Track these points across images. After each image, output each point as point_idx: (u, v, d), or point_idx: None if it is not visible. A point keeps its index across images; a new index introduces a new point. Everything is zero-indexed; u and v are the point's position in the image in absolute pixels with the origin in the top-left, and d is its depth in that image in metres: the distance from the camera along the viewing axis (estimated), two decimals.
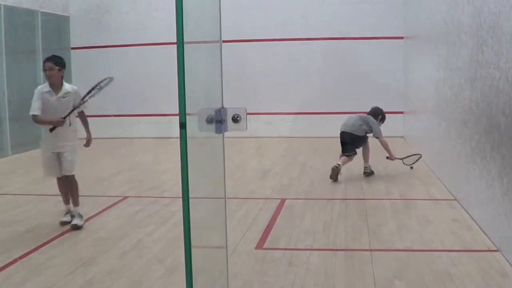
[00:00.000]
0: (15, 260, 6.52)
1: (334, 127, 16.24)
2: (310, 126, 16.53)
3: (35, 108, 7.50)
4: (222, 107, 3.48)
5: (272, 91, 16.69)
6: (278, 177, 11.06)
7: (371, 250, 6.62)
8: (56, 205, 8.83)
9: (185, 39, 3.07)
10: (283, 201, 9.01)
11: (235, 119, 3.45)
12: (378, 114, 11.60)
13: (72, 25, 18.24)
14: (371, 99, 16.22)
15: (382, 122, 11.61)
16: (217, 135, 3.48)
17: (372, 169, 11.09)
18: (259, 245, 6.87)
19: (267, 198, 9.22)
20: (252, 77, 16.55)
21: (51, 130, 7.62)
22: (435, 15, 10.84)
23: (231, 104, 3.51)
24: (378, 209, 8.51)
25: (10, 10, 15.20)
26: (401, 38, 16.09)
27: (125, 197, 9.54)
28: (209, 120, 3.37)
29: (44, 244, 7.14)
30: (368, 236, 7.13)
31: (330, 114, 16.39)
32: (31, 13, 16.31)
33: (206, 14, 3.66)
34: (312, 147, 14.89)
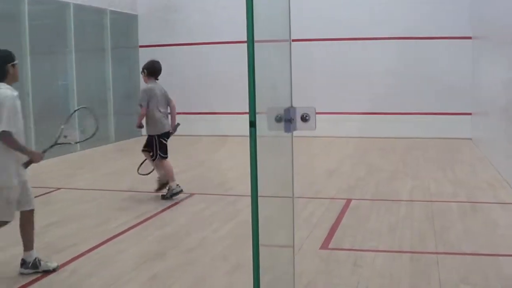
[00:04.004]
0: (85, 253, 6.64)
1: (401, 128, 16.22)
2: (377, 126, 16.38)
3: None
4: (291, 106, 3.47)
5: (340, 90, 16.59)
6: (344, 177, 11.00)
7: (437, 253, 6.52)
8: (124, 201, 8.98)
9: (255, 38, 3.07)
10: (348, 201, 8.97)
11: (304, 118, 3.44)
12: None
13: (140, 24, 18.46)
14: (438, 99, 16.07)
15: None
16: (285, 134, 3.47)
17: None
18: (324, 245, 6.85)
19: (333, 198, 9.19)
20: (321, 77, 16.47)
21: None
22: (505, 15, 10.63)
23: (300, 103, 3.50)
24: (444, 211, 8.39)
25: (80, 9, 15.46)
26: (469, 38, 15.81)
27: (192, 194, 9.61)
28: (278, 119, 3.37)
29: (112, 238, 7.25)
30: (434, 239, 7.03)
31: (398, 115, 16.27)
32: (100, 11, 16.58)
33: (276, 13, 3.65)
34: (379, 147, 14.76)
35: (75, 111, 7.08)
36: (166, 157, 9.49)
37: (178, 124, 9.66)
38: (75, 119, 7.06)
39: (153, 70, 9.58)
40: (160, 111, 9.36)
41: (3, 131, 5.70)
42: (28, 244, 6.19)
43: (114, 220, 8.03)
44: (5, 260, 6.56)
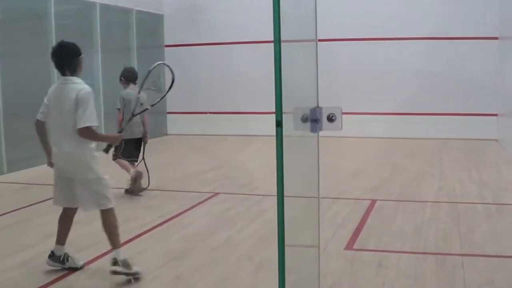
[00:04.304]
0: (108, 252, 6.67)
1: (427, 129, 16.14)
2: (403, 127, 16.28)
3: None
4: (317, 106, 3.47)
5: (366, 91, 16.54)
6: (370, 177, 10.97)
7: (462, 254, 6.47)
8: (148, 199, 9.01)
9: (281, 38, 3.07)
10: (373, 202, 8.93)
11: (330, 118, 3.43)
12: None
13: (166, 24, 18.52)
14: (464, 100, 15.97)
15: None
16: (311, 134, 3.47)
17: None
18: (349, 246, 6.83)
19: (358, 199, 9.16)
20: (347, 77, 16.43)
21: None
22: None
23: (326, 103, 3.49)
24: (470, 213, 8.33)
25: (106, 9, 15.55)
26: (496, 38, 15.69)
27: (216, 194, 9.63)
28: (304, 119, 3.37)
29: (136, 237, 7.28)
30: (460, 240, 6.98)
31: (424, 115, 16.19)
32: (126, 11, 16.66)
33: (302, 12, 3.65)
34: (404, 148, 14.70)
35: (149, 72, 6.68)
36: (131, 160, 9.75)
37: (146, 132, 9.80)
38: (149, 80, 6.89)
39: (131, 76, 9.95)
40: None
41: (88, 126, 5.69)
42: (61, 238, 6.25)
43: (138, 219, 8.06)
44: (33, 256, 6.61)
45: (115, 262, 5.88)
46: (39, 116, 6.06)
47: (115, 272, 5.82)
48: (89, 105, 5.72)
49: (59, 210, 6.24)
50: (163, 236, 7.40)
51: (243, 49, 17.28)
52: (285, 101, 3.09)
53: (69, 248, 6.88)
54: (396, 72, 16.36)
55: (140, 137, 9.63)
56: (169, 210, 8.49)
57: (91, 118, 5.72)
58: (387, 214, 8.31)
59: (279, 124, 3.05)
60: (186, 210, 8.61)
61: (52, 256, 6.14)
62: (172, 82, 6.76)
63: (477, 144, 15.00)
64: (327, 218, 7.89)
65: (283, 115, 3.08)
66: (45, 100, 6.00)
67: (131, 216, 8.29)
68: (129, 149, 9.57)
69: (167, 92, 6.87)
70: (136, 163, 9.73)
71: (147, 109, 6.70)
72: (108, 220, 5.99)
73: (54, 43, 13.43)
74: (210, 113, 17.44)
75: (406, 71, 16.26)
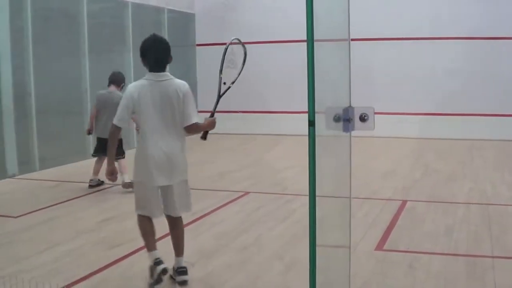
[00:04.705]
0: (141, 248, 6.71)
1: (460, 129, 16.00)
2: (435, 127, 16.15)
3: None
4: (350, 105, 3.46)
5: (399, 91, 16.44)
6: (401, 178, 10.91)
7: (493, 257, 6.41)
8: None
9: (314, 37, 3.07)
10: (404, 202, 8.89)
11: (363, 118, 3.43)
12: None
13: (198, 23, 18.58)
14: (499, 101, 15.81)
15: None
16: (344, 133, 3.46)
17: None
18: (379, 246, 6.81)
19: (389, 199, 9.12)
20: (380, 76, 16.34)
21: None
22: None
23: (359, 103, 3.48)
24: (502, 215, 8.26)
25: (138, 8, 15.64)
26: None
27: (247, 193, 9.65)
28: (337, 119, 3.36)
29: (167, 234, 7.29)
30: (491, 243, 6.92)
31: (457, 116, 16.04)
32: (157, 10, 16.74)
33: (335, 12, 3.65)
34: (436, 148, 14.60)
35: (225, 50, 6.41)
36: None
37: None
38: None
39: (112, 78, 10.35)
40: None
41: (197, 122, 5.57)
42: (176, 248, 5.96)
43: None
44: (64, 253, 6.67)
45: (174, 269, 5.82)
46: (120, 124, 5.59)
47: (170, 277, 5.77)
48: (193, 100, 5.63)
49: (89, 210, 6.27)
50: (194, 234, 7.42)
51: (275, 48, 17.27)
52: (318, 101, 3.09)
53: (102, 244, 6.97)
54: (429, 72, 16.22)
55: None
56: (201, 208, 8.51)
57: (196, 113, 5.62)
58: (418, 215, 8.27)
59: (311, 123, 3.05)
60: (217, 209, 8.63)
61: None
62: (245, 56, 6.54)
63: (510, 145, 14.86)
64: (357, 218, 7.87)
65: (316, 115, 3.08)
66: (128, 103, 5.54)
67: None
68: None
69: (243, 66, 6.56)
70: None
71: (229, 87, 6.45)
72: (181, 226, 5.91)
73: (86, 42, 13.63)
74: (241, 112, 17.46)
75: (439, 71, 16.13)
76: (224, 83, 6.02)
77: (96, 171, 10.23)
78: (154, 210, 5.71)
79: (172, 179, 5.59)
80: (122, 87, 10.20)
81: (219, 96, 6.07)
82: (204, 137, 5.86)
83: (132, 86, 5.62)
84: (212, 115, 5.84)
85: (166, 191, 5.65)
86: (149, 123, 5.50)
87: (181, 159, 5.62)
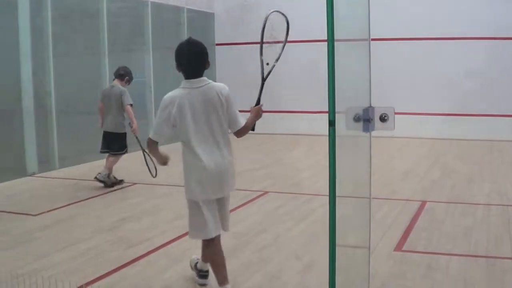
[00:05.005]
0: (159, 248, 6.73)
1: (480, 130, 15.90)
2: (455, 127, 16.04)
3: None
4: (370, 105, 3.45)
5: (419, 91, 16.37)
6: (420, 179, 10.86)
7: None
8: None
9: (335, 37, 3.06)
10: (423, 203, 8.85)
11: (383, 118, 3.41)
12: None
13: (217, 22, 18.60)
14: None
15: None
16: (364, 134, 3.45)
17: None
18: (398, 247, 6.78)
19: (408, 200, 9.08)
20: (400, 76, 16.29)
21: None
22: None
23: (379, 103, 3.47)
24: None
25: (158, 7, 15.70)
26: None
27: (266, 192, 9.65)
28: (357, 119, 3.35)
29: (186, 233, 7.29)
30: (510, 244, 6.86)
31: (477, 116, 15.95)
32: (177, 10, 16.80)
33: (355, 12, 3.64)
34: (456, 149, 14.53)
35: (264, 25, 5.87)
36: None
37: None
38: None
39: (115, 73, 10.59)
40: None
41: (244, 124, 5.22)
42: (221, 276, 5.46)
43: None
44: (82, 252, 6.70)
45: None
46: (157, 138, 5.18)
47: None
48: (234, 102, 5.25)
49: (108, 209, 6.29)
50: None
51: (294, 48, 17.20)
52: (338, 101, 3.08)
53: (119, 243, 6.99)
54: (450, 72, 16.13)
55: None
56: None
57: (240, 114, 5.26)
58: (437, 216, 8.23)
59: (332, 123, 3.04)
60: (237, 208, 8.62)
61: None
62: (287, 25, 5.96)
63: None
64: (377, 219, 7.83)
65: (336, 115, 3.07)
66: (167, 116, 5.07)
67: (185, 212, 8.30)
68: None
69: (286, 39, 6.01)
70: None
71: (274, 66, 6.02)
72: (220, 247, 5.47)
73: (106, 41, 13.68)
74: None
75: (459, 71, 16.03)
76: (267, 64, 5.66)
77: (107, 167, 10.40)
78: (212, 228, 5.26)
79: (225, 190, 5.26)
80: (128, 81, 10.49)
81: (264, 80, 5.70)
82: (253, 128, 5.45)
83: (168, 98, 5.09)
84: (257, 103, 5.47)
85: (219, 204, 5.34)
86: (194, 134, 5.04)
87: (231, 167, 5.24)
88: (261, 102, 5.51)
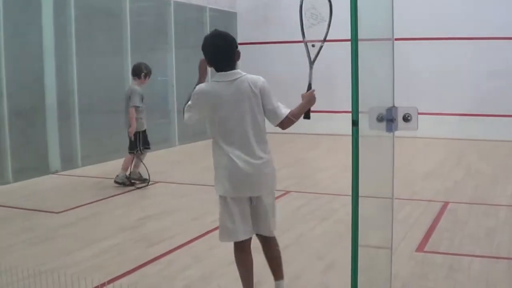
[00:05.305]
0: (181, 246, 6.76)
1: (504, 130, 15.78)
2: (479, 128, 15.93)
3: None
4: (393, 105, 3.44)
5: (441, 91, 16.28)
6: (443, 179, 10.80)
7: None
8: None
9: (358, 37, 3.06)
10: (446, 204, 8.80)
11: (406, 118, 3.40)
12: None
13: (239, 21, 18.61)
14: None
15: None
16: (387, 134, 3.44)
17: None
18: (420, 248, 6.75)
19: (430, 200, 9.04)
20: (423, 76, 16.21)
21: None
22: None
23: (402, 103, 3.46)
24: None
25: (180, 6, 15.74)
26: None
27: (288, 192, 9.65)
28: (380, 119, 3.34)
29: (207, 232, 7.33)
30: None
31: (501, 117, 15.83)
32: (199, 9, 16.83)
33: (379, 11, 3.62)
34: (478, 149, 14.44)
35: (301, 9, 5.26)
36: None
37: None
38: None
39: (136, 70, 10.55)
40: None
41: (289, 113, 4.93)
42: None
43: (210, 215, 8.09)
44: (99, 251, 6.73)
45: None
46: (189, 122, 5.04)
47: None
48: (272, 93, 4.89)
49: (134, 208, 6.31)
50: None
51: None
52: (361, 100, 3.08)
53: (142, 241, 7.02)
54: (473, 72, 16.03)
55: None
56: None
57: (282, 104, 4.95)
58: (459, 217, 8.18)
59: (355, 123, 3.03)
60: None
61: None
62: (330, 4, 5.22)
63: None
64: (398, 219, 7.80)
65: (359, 115, 3.07)
66: (200, 104, 4.88)
67: (206, 211, 8.36)
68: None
69: (330, 18, 5.31)
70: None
71: (321, 46, 5.52)
72: (277, 247, 5.24)
73: (129, 40, 13.74)
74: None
75: (484, 71, 15.91)
76: (313, 46, 5.14)
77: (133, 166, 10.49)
78: (240, 231, 4.96)
79: (260, 189, 4.94)
80: (146, 77, 10.43)
81: (312, 63, 5.24)
82: (307, 115, 5.11)
83: (202, 87, 4.89)
84: (309, 88, 5.12)
85: (255, 205, 4.99)
86: (225, 129, 4.79)
87: (267, 165, 4.96)
88: (312, 87, 5.13)
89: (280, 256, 5.18)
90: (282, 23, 17.62)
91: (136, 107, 10.06)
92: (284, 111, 4.87)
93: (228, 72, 4.76)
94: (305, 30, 5.16)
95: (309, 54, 5.16)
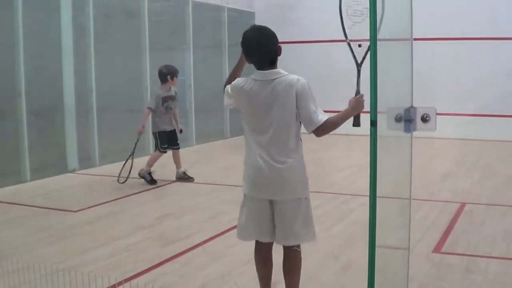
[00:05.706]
0: (198, 245, 6.78)
1: None
2: (497, 128, 15.84)
3: None
4: (412, 106, 3.43)
5: (459, 91, 16.20)
6: (460, 180, 10.77)
7: None
8: (238, 195, 9.07)
9: (377, 37, 3.06)
10: (463, 205, 8.76)
11: (424, 119, 3.39)
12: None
13: (257, 21, 18.60)
14: None
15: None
16: (405, 134, 3.44)
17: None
18: (437, 249, 6.73)
19: (447, 201, 9.01)
20: (442, 77, 16.13)
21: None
22: None
23: (420, 103, 3.45)
24: None
25: (198, 6, 15.78)
26: None
27: None
28: (398, 119, 3.33)
29: (225, 232, 7.34)
30: None
31: None
32: (217, 9, 16.86)
33: (398, 11, 3.62)
34: (495, 150, 14.37)
35: (340, 8, 4.85)
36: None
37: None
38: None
39: (160, 76, 10.71)
40: None
41: (327, 119, 4.58)
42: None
43: (227, 214, 8.12)
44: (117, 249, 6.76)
45: None
46: (228, 107, 4.89)
47: None
48: (312, 96, 4.56)
49: (149, 205, 6.33)
50: None
51: (335, 47, 17.13)
52: (379, 101, 3.07)
53: (159, 240, 7.04)
54: (491, 72, 15.93)
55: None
56: None
57: (320, 110, 4.59)
58: (476, 218, 8.14)
59: (373, 123, 3.03)
60: None
61: None
62: None
63: None
64: (416, 220, 7.77)
65: (378, 115, 3.07)
66: (234, 95, 4.67)
67: (222, 211, 8.38)
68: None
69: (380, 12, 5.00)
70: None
71: (369, 46, 4.95)
72: (294, 261, 4.87)
73: (147, 40, 13.78)
74: None
75: (501, 71, 15.84)
76: (360, 46, 4.63)
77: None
78: (252, 232, 4.83)
79: (279, 194, 4.62)
80: (172, 78, 10.52)
81: (359, 65, 4.70)
82: (357, 123, 4.63)
83: (239, 83, 4.63)
84: (357, 93, 4.56)
85: (276, 211, 4.69)
86: (253, 129, 4.60)
87: (291, 170, 4.62)
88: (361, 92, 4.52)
89: (295, 272, 4.88)
90: (300, 23, 17.61)
91: (150, 109, 10.31)
92: (321, 117, 4.49)
93: (266, 71, 4.51)
94: (346, 30, 4.77)
95: (354, 55, 4.75)
